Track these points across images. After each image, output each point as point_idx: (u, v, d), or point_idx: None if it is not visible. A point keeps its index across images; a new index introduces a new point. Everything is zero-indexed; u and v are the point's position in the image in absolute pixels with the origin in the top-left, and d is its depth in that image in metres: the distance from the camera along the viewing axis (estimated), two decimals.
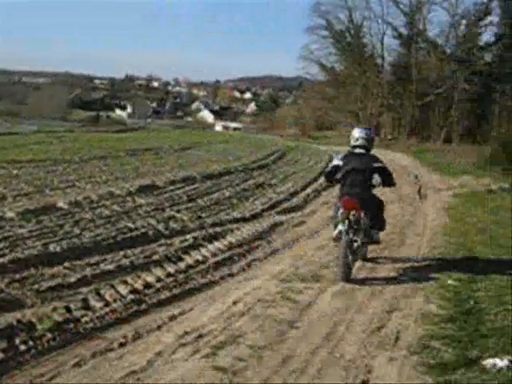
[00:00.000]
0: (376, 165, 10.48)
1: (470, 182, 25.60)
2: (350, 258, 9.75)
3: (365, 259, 11.17)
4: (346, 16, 67.68)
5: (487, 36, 62.73)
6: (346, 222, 9.83)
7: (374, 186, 10.55)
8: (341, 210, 10.03)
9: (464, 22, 61.00)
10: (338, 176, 10.55)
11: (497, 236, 14.06)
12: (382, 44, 66.21)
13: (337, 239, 10.24)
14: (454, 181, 26.51)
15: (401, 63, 64.47)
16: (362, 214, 9.98)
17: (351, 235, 9.83)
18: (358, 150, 10.61)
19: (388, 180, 10.57)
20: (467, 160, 34.98)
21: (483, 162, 32.58)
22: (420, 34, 62.73)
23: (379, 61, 67.66)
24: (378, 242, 10.99)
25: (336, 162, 10.76)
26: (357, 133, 10.73)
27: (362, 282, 9.98)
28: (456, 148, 47.31)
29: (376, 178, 10.43)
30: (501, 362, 6.23)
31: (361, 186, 10.24)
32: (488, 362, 6.28)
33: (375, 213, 10.42)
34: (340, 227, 9.99)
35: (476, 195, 21.71)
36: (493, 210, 18.15)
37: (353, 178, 10.31)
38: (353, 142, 10.71)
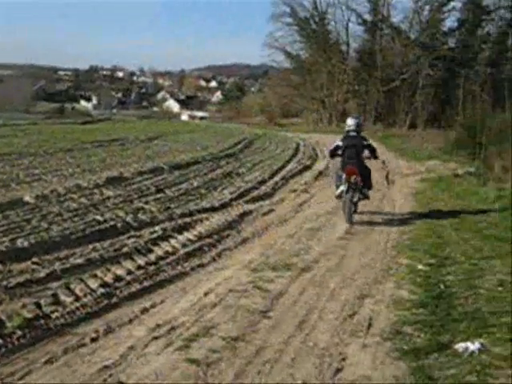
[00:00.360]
0: (365, 143, 14.19)
1: (436, 167, 25.80)
2: (352, 208, 13.58)
3: (355, 212, 14.13)
4: (310, 3, 67.87)
5: (450, 21, 63.34)
6: (347, 184, 13.44)
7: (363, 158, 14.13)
8: (343, 176, 13.60)
9: (427, 7, 61.70)
10: (339, 152, 14.12)
11: (464, 220, 14.17)
12: (347, 31, 66.63)
13: (339, 197, 14.05)
14: (420, 166, 26.72)
15: (365, 49, 64.80)
16: (359, 178, 13.51)
17: (351, 193, 13.47)
18: (351, 133, 14.16)
19: (373, 154, 14.35)
20: (433, 145, 35.28)
21: (449, 147, 32.84)
22: (384, 20, 63.07)
23: (344, 47, 68.00)
24: (368, 198, 14.49)
25: (337, 142, 14.23)
26: (350, 121, 14.47)
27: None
28: (421, 133, 47.75)
29: (366, 153, 14.19)
30: (472, 346, 6.27)
31: (356, 158, 13.78)
32: (460, 346, 6.32)
33: (366, 177, 14.05)
34: (342, 188, 13.66)
35: (443, 180, 21.88)
36: (459, 195, 18.30)
37: (349, 153, 13.84)
38: (347, 128, 14.35)
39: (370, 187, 14.36)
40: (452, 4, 60.76)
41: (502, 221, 13.79)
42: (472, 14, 59.22)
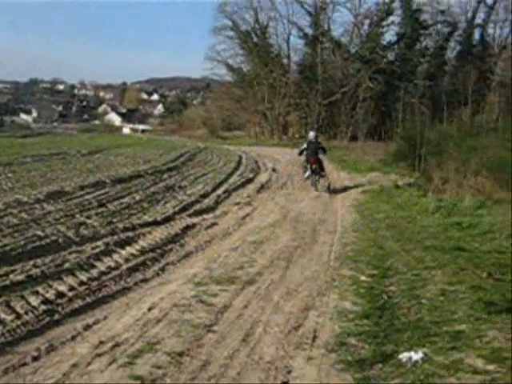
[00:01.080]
0: (320, 146, 23.38)
1: (377, 179, 26.14)
2: (316, 184, 22.76)
3: (318, 183, 23.10)
4: (251, 16, 68.11)
5: (389, 36, 64.52)
6: (310, 169, 22.71)
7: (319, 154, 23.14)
8: (308, 165, 22.74)
9: (367, 21, 62.76)
10: (305, 152, 23.03)
11: (406, 231, 14.37)
12: (288, 44, 67.18)
13: (307, 178, 23.20)
14: (362, 177, 27.04)
15: (307, 63, 65.30)
16: (317, 166, 22.64)
17: (313, 174, 22.73)
18: (312, 140, 23.13)
19: (325, 152, 23.55)
20: (374, 157, 35.77)
21: (390, 159, 33.33)
22: (325, 33, 63.78)
23: (285, 61, 68.47)
24: (323, 176, 23.25)
25: (304, 146, 23.28)
26: (311, 133, 24.41)
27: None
28: (362, 145, 48.35)
29: (320, 151, 23.09)
30: (416, 355, 6.34)
31: (315, 154, 22.74)
32: (404, 356, 6.39)
33: (321, 165, 23.10)
34: (308, 172, 22.98)
35: (384, 191, 22.17)
36: (400, 206, 18.56)
37: (311, 152, 22.75)
38: (309, 138, 23.53)
39: (323, 170, 23.30)
40: (391, 19, 62.03)
41: (442, 231, 14.03)
42: (410, 29, 60.39)
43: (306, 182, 23.67)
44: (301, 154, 23.36)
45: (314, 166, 22.54)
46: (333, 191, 22.75)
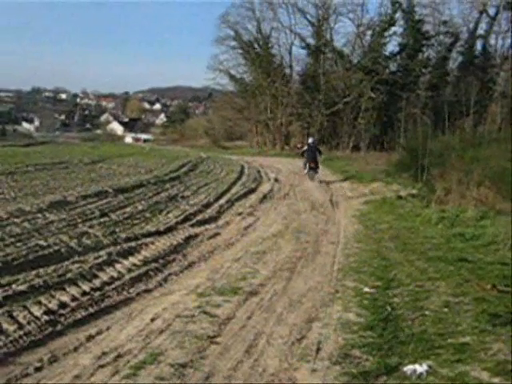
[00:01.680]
0: (317, 148, 31.48)
1: (380, 189, 26.08)
2: (312, 177, 30.17)
3: (313, 178, 30.09)
4: (254, 26, 68.06)
5: (392, 46, 64.28)
6: (309, 167, 30.27)
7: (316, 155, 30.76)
8: (307, 164, 30.36)
9: (369, 32, 62.65)
10: (305, 154, 30.71)
11: (409, 242, 14.33)
12: (291, 54, 67.05)
13: (306, 174, 30.46)
14: (364, 188, 26.97)
15: (309, 73, 65.19)
16: (314, 165, 30.25)
17: (311, 171, 30.27)
18: (311, 144, 30.87)
19: (320, 154, 31.33)
20: (376, 167, 35.67)
21: (392, 169, 33.26)
22: (327, 44, 63.73)
23: (288, 71, 68.31)
24: (317, 173, 30.42)
25: (305, 148, 31.01)
26: (310, 139, 33.15)
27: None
28: (364, 155, 48.26)
29: (317, 153, 30.77)
30: (420, 368, 6.32)
31: (313, 155, 30.33)
32: (408, 369, 6.37)
33: (317, 164, 30.56)
34: (307, 169, 30.44)
35: (386, 202, 22.09)
36: (403, 217, 18.51)
37: (310, 153, 30.28)
38: (308, 142, 31.60)
39: (318, 168, 30.37)
40: (393, 29, 61.85)
41: (445, 242, 14.00)
42: (413, 39, 60.34)
43: (308, 193, 26.06)
44: (302, 154, 31.40)
45: (312, 165, 30.19)
46: (336, 204, 22.28)
